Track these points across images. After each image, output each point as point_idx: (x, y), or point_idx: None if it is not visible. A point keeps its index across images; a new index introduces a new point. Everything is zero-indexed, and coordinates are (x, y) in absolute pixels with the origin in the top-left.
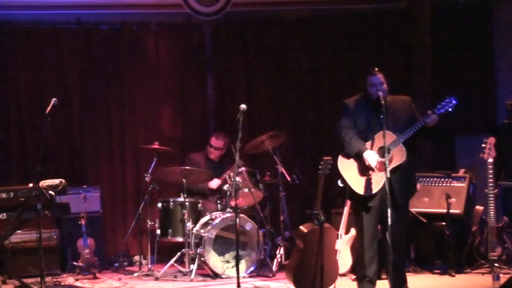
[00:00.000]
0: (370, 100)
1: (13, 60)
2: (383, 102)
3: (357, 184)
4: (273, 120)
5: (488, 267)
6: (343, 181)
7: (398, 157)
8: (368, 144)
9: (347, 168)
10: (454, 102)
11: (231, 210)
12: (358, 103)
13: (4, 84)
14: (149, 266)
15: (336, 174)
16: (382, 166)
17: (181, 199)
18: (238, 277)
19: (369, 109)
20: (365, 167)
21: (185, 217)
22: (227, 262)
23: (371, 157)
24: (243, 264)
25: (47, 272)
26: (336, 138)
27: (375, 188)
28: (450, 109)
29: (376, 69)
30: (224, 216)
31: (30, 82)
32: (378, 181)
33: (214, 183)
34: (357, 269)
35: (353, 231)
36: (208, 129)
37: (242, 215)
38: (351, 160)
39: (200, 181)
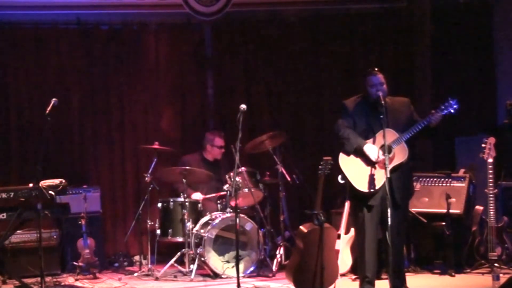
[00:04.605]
0: (369, 101)
1: (13, 60)
2: (383, 102)
3: (359, 181)
4: (273, 120)
5: (488, 267)
6: (344, 177)
7: (400, 155)
8: (369, 142)
9: (349, 166)
10: (456, 105)
11: (231, 210)
12: (357, 103)
13: (4, 84)
14: (149, 266)
15: (336, 172)
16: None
17: (181, 199)
18: (238, 277)
19: (368, 110)
20: (367, 164)
21: (185, 217)
22: (227, 262)
23: (372, 150)
24: (243, 264)
25: (47, 272)
26: (336, 137)
27: (378, 184)
28: (452, 111)
29: (376, 69)
30: (224, 216)
31: (30, 82)
32: (381, 177)
33: (196, 196)
34: (358, 270)
35: (353, 231)
36: (208, 129)
37: (242, 215)
38: (352, 157)
39: (199, 181)
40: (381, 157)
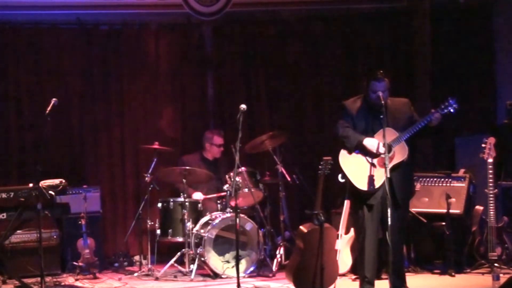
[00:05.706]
0: (369, 101)
1: (13, 60)
2: (383, 102)
3: (359, 180)
4: (273, 120)
5: (488, 267)
6: (344, 176)
7: (400, 154)
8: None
9: (349, 164)
10: (455, 105)
11: (231, 210)
12: (357, 104)
13: (4, 84)
14: (149, 266)
15: (336, 172)
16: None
17: (181, 199)
18: (238, 277)
19: (368, 110)
20: (367, 162)
21: (185, 217)
22: (227, 262)
23: (371, 142)
24: (243, 264)
25: (47, 272)
26: (336, 137)
27: (378, 183)
28: (452, 110)
29: (381, 73)
30: (224, 216)
31: (30, 82)
32: (380, 176)
33: (197, 196)
34: (358, 270)
35: (353, 231)
36: (208, 129)
37: (242, 215)
38: (352, 155)
39: (199, 181)
40: (381, 148)
